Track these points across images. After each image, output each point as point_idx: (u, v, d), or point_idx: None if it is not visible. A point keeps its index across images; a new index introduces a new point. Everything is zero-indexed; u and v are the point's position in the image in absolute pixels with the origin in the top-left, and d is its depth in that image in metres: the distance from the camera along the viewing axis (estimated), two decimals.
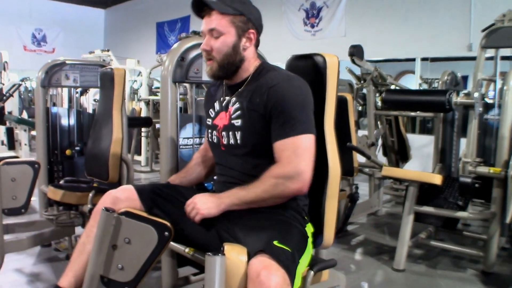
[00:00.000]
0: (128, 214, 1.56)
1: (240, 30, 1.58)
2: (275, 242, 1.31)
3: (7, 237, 2.64)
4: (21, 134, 4.72)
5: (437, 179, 2.86)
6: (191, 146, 2.25)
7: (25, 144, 4.59)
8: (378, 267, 3.14)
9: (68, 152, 3.37)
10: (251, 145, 1.56)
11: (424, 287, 2.83)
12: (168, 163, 2.05)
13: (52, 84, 3.28)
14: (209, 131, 1.72)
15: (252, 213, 1.51)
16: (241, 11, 1.57)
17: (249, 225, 1.43)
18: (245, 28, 1.59)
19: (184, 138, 2.22)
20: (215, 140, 1.68)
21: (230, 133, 1.59)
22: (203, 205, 1.48)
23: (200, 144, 2.31)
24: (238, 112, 1.58)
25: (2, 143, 5.51)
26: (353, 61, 4.31)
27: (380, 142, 4.86)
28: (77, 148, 3.41)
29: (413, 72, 7.68)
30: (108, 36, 14.46)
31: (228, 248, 1.24)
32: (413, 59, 7.45)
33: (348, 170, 3.63)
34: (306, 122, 1.48)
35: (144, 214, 1.58)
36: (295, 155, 1.44)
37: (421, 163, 5.67)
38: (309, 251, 1.52)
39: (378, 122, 4.72)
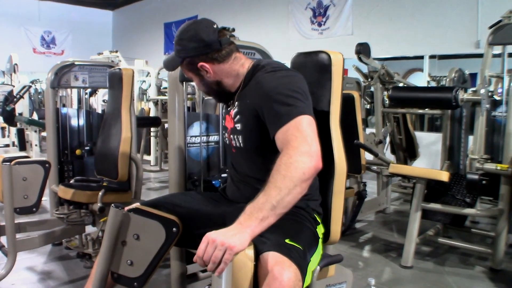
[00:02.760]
0: (136, 210, 1.59)
1: (194, 71, 1.63)
2: (287, 240, 1.32)
3: (19, 235, 2.68)
4: (31, 135, 4.78)
5: (444, 176, 2.87)
6: (199, 144, 2.28)
7: (36, 145, 4.64)
8: (385, 264, 3.15)
9: (78, 152, 3.42)
10: (253, 147, 1.57)
11: (431, 283, 2.83)
12: (176, 162, 2.08)
13: (62, 85, 3.32)
14: (223, 132, 1.77)
15: None
16: (180, 57, 1.62)
17: None
18: (194, 67, 1.62)
19: (191, 136, 2.25)
20: (227, 142, 1.71)
21: (235, 136, 1.62)
22: (218, 242, 1.20)
23: (208, 142, 2.33)
24: (238, 116, 1.60)
25: (14, 144, 5.59)
26: (360, 59, 4.32)
27: (388, 140, 4.86)
28: (87, 148, 3.46)
29: (421, 70, 7.65)
30: (116, 37, 14.55)
31: None
32: (421, 57, 7.43)
33: (355, 167, 3.64)
34: (301, 106, 1.41)
35: (153, 211, 1.60)
36: (299, 132, 1.35)
37: (430, 160, 5.65)
38: (320, 250, 1.52)
39: (386, 120, 4.72)
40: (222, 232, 1.22)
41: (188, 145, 2.21)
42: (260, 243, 1.28)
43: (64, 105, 5.21)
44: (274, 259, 1.21)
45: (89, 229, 3.06)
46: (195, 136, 2.27)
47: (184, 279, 2.06)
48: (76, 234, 2.97)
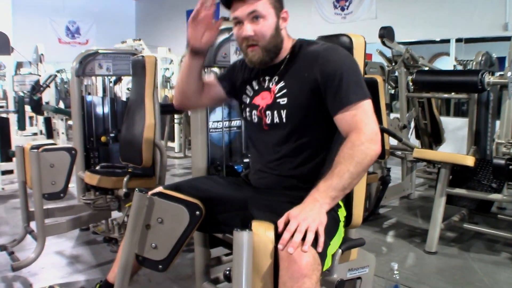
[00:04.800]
0: (160, 194, 1.62)
1: (277, 10, 1.53)
2: None
3: (47, 221, 2.76)
4: (58, 124, 4.87)
5: (469, 161, 2.82)
6: (221, 130, 2.29)
7: (62, 133, 4.73)
8: (409, 250, 3.13)
9: (103, 139, 3.47)
10: (296, 122, 1.53)
11: (456, 269, 2.80)
12: (199, 147, 2.09)
13: (86, 73, 3.37)
14: (248, 109, 1.67)
15: (282, 200, 1.49)
16: None
17: (280, 209, 1.36)
18: (280, 8, 1.54)
19: (214, 121, 2.26)
20: (255, 120, 1.63)
21: (275, 112, 1.55)
22: (309, 219, 1.24)
23: (230, 127, 2.34)
24: (284, 91, 1.54)
25: (41, 133, 5.72)
26: (383, 43, 4.26)
27: (412, 125, 4.80)
28: (112, 134, 3.51)
29: (448, 54, 7.50)
30: (139, 26, 14.65)
31: (256, 224, 1.26)
32: (448, 41, 7.27)
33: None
34: (365, 87, 1.45)
35: (176, 194, 1.62)
36: (367, 117, 1.39)
37: (456, 146, 5.56)
38: (341, 234, 1.51)
39: (411, 105, 4.66)
40: (301, 208, 1.27)
41: (211, 130, 2.22)
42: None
43: (89, 94, 5.30)
44: (293, 243, 1.21)
45: (115, 214, 3.12)
46: (217, 121, 2.28)
47: (207, 263, 2.09)
48: (102, 219, 3.04)
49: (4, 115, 4.94)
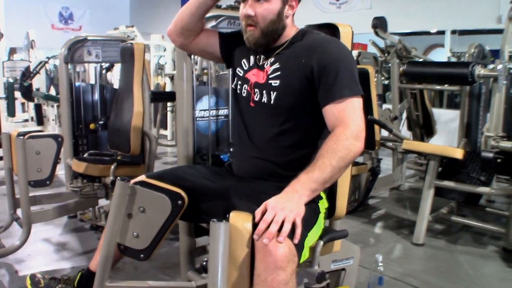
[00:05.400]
0: (142, 183, 1.60)
1: None
2: None
3: (34, 208, 2.74)
4: (48, 110, 4.84)
5: (458, 153, 2.82)
6: (208, 118, 2.27)
7: (53, 120, 4.70)
8: (397, 241, 3.14)
9: (92, 126, 3.45)
10: (284, 106, 1.53)
11: (442, 262, 2.81)
12: (184, 135, 2.08)
13: (75, 60, 3.34)
14: (239, 82, 1.67)
15: (263, 189, 1.48)
16: None
17: (260, 199, 1.35)
18: None
19: (201, 110, 2.24)
20: (244, 94, 1.64)
21: (264, 91, 1.56)
22: (287, 209, 1.24)
23: (217, 116, 2.33)
24: (278, 73, 1.54)
25: (32, 119, 5.68)
26: (376, 34, 4.22)
27: (404, 116, 4.79)
28: (101, 122, 3.49)
29: (443, 46, 7.49)
30: (133, 13, 14.50)
31: (234, 215, 1.25)
32: (443, 32, 7.26)
33: (369, 143, 3.61)
34: (359, 85, 1.46)
35: (158, 183, 1.61)
36: (355, 114, 1.40)
37: (448, 138, 5.56)
38: (320, 225, 1.50)
39: (403, 96, 4.65)
40: (279, 198, 1.28)
41: (197, 119, 2.20)
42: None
43: (83, 81, 5.25)
44: (269, 234, 1.20)
45: (102, 202, 3.11)
46: (204, 110, 2.26)
47: (192, 252, 2.09)
48: (89, 207, 3.03)
49: None
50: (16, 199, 2.73)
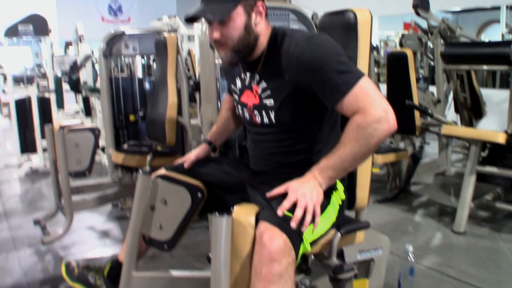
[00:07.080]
0: (163, 177, 1.65)
1: (248, 7, 1.44)
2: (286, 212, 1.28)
3: (77, 197, 2.88)
4: (95, 102, 5.01)
5: (500, 138, 2.69)
6: None
7: (99, 111, 4.86)
8: (437, 229, 3.05)
9: (132, 117, 3.55)
10: (286, 121, 1.50)
11: (483, 250, 2.70)
12: (210, 126, 2.10)
13: (113, 53, 3.43)
14: (239, 107, 1.65)
15: (272, 183, 1.41)
16: None
17: (272, 186, 1.36)
18: (252, 3, 1.45)
19: None
20: (247, 118, 1.61)
21: (263, 112, 1.52)
22: (308, 196, 1.29)
23: None
24: (268, 92, 1.49)
25: (82, 111, 5.91)
26: (417, 14, 4.06)
27: (451, 98, 4.60)
28: (140, 113, 3.59)
29: (499, 21, 7.10)
30: (180, 1, 14.69)
31: (237, 209, 1.26)
32: (498, 8, 6.87)
33: (409, 128, 3.51)
34: (354, 69, 1.37)
35: (179, 177, 1.65)
36: (370, 97, 1.31)
37: (501, 119, 5.29)
38: (328, 219, 1.45)
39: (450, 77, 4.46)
40: (300, 183, 1.33)
41: None
42: (260, 212, 1.29)
43: (131, 73, 5.40)
44: (265, 227, 1.20)
45: None
46: None
47: None
48: (128, 195, 3.14)
49: (46, 95, 5.13)
50: (60, 189, 2.88)
